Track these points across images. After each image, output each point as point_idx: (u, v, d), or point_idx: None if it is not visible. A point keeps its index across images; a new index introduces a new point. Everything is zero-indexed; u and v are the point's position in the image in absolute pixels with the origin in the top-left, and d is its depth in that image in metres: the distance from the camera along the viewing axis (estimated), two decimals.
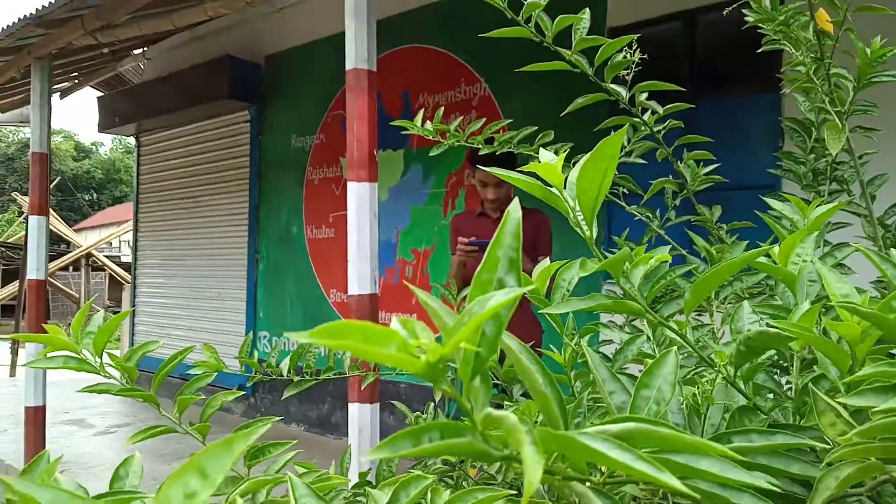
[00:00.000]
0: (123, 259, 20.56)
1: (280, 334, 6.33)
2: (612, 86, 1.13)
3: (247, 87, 6.48)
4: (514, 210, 0.37)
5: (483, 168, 0.83)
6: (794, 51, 1.25)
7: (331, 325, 0.28)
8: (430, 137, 1.69)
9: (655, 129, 1.26)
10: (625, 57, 1.12)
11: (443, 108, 1.75)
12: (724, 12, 1.36)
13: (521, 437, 0.28)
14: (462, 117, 1.71)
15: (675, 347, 0.46)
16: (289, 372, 1.42)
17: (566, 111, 1.19)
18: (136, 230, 7.97)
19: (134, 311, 7.88)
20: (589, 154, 0.50)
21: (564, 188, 0.56)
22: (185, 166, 7.33)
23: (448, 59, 5.16)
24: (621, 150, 1.46)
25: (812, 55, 1.08)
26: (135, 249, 7.96)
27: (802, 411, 0.58)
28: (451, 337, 0.28)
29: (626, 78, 1.13)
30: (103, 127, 7.65)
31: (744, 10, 1.31)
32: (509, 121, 1.65)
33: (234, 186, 6.82)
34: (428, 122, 1.68)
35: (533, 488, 0.27)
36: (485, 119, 1.78)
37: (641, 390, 0.44)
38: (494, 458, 0.33)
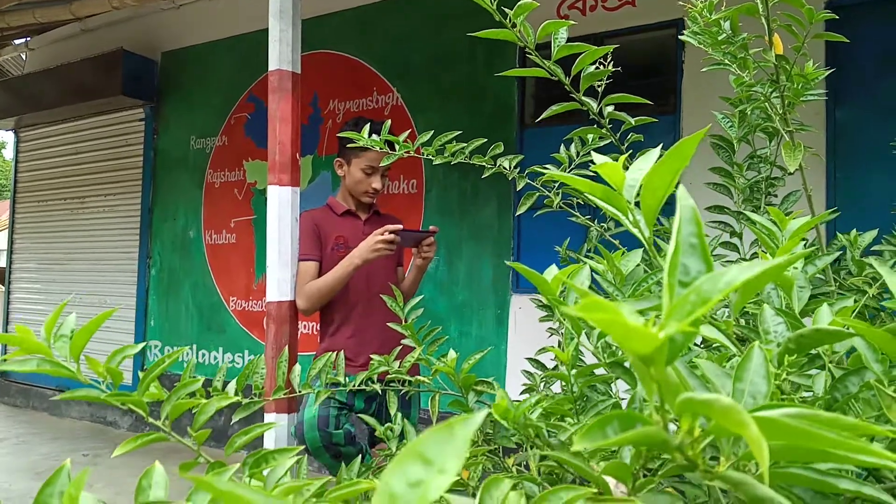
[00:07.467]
0: None
1: (174, 344, 6.03)
2: (586, 98, 1.16)
3: (142, 83, 6.15)
4: (684, 197, 0.36)
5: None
6: (740, 72, 1.33)
7: (590, 301, 0.26)
8: (378, 149, 1.67)
9: (618, 141, 1.29)
10: (598, 68, 1.14)
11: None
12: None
13: (742, 418, 0.27)
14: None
15: (757, 343, 0.47)
16: (236, 393, 1.31)
17: (540, 118, 1.20)
18: (11, 231, 7.39)
19: (7, 318, 7.30)
20: (666, 153, 0.50)
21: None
22: (71, 164, 6.87)
23: (360, 67, 5.12)
24: (571, 163, 1.49)
25: (769, 78, 1.15)
26: (10, 252, 7.38)
27: (835, 407, 0.60)
28: (689, 314, 0.28)
29: (598, 88, 1.16)
30: None
31: (684, 33, 1.37)
32: (407, 129, 1.65)
33: (126, 187, 6.45)
34: (375, 135, 1.66)
35: (765, 468, 0.27)
36: (390, 122, 1.78)
37: (736, 383, 0.45)
38: (671, 449, 0.32)
